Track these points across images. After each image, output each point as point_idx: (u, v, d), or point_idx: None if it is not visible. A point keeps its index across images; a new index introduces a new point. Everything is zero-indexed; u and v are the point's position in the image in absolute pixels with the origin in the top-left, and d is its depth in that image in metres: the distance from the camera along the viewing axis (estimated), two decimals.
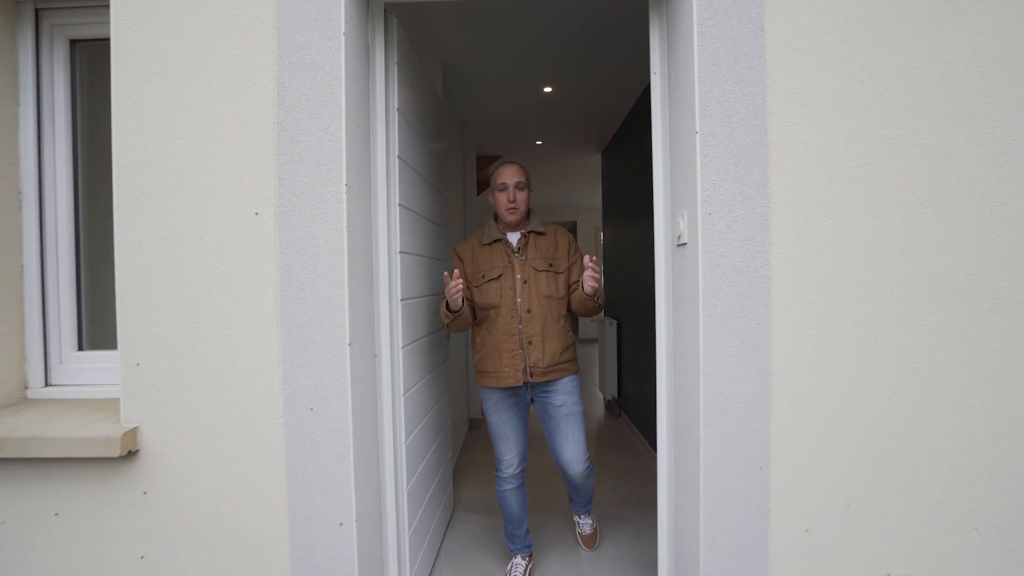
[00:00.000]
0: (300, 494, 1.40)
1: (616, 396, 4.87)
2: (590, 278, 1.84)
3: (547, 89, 3.64)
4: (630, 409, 4.43)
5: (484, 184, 6.34)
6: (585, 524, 2.51)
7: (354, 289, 1.43)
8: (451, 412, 3.21)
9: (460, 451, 3.73)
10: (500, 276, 2.05)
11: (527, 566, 2.23)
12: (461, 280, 1.87)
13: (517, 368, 2.01)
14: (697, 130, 1.35)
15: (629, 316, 4.43)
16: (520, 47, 3.02)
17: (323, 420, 1.39)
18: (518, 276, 2.04)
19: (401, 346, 1.81)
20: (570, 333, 2.11)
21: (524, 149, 5.36)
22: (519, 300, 2.02)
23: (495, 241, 2.11)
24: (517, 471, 2.17)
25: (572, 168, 6.32)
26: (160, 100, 1.39)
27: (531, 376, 2.02)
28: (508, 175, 2.09)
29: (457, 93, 3.74)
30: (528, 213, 2.14)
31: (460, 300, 1.90)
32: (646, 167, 3.74)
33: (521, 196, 2.08)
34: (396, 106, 1.78)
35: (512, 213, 2.08)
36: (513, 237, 2.12)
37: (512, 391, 2.09)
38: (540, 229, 2.12)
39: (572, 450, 2.09)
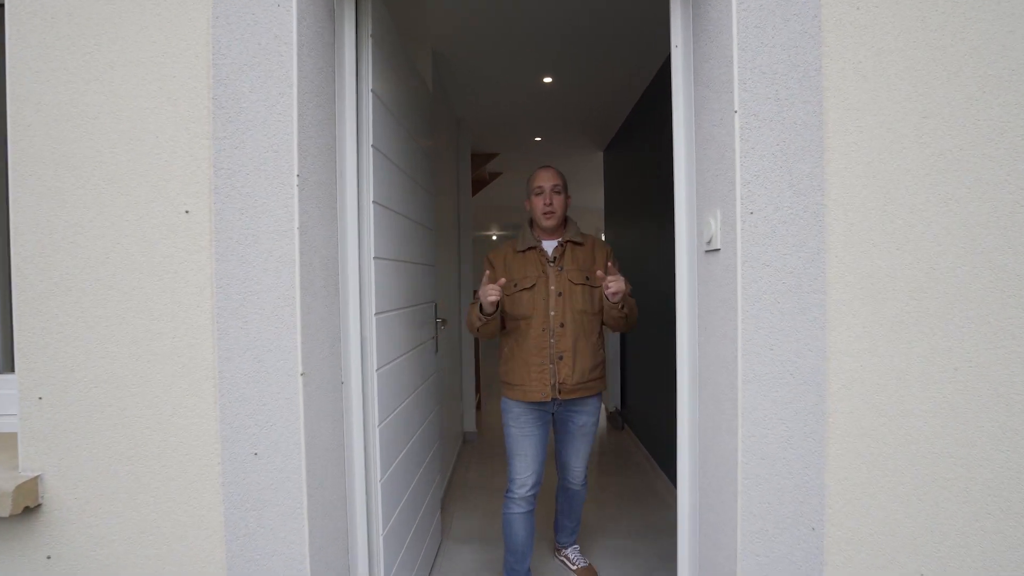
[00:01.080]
0: (242, 560, 1.13)
1: (619, 408, 4.60)
2: (611, 280, 1.75)
3: (547, 79, 3.38)
4: (634, 422, 4.17)
5: (480, 184, 6.07)
6: (576, 558, 2.32)
7: (309, 304, 1.16)
8: (442, 428, 2.94)
9: (452, 470, 3.46)
10: (533, 286, 1.96)
11: None
12: (503, 279, 1.80)
13: (545, 383, 1.94)
14: (736, 109, 1.09)
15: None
16: (518, 33, 2.76)
17: (270, 467, 1.12)
18: (552, 288, 1.95)
19: (376, 368, 1.54)
20: (601, 351, 2.04)
21: (522, 147, 5.09)
22: (552, 313, 1.94)
23: (529, 249, 2.01)
24: (529, 493, 2.02)
25: (573, 167, 6.05)
26: (68, 70, 1.12)
27: (559, 393, 1.95)
28: (544, 178, 2.00)
29: (450, 85, 3.47)
30: (565, 220, 2.06)
31: (495, 304, 1.80)
32: (653, 165, 3.48)
33: (558, 200, 1.99)
34: (371, 87, 1.51)
35: (549, 218, 1.98)
36: (549, 245, 2.02)
37: (536, 405, 2.00)
38: (578, 239, 2.02)
39: (577, 460, 2.10)
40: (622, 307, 1.86)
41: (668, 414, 3.17)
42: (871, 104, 1.07)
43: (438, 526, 2.45)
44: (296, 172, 1.11)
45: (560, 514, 2.33)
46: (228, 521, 1.13)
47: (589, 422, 2.06)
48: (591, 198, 7.91)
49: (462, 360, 4.17)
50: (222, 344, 1.11)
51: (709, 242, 1.22)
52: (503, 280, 1.80)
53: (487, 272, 1.95)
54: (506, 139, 4.83)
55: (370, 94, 1.51)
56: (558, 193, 2.00)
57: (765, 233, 1.09)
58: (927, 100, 1.06)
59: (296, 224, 1.11)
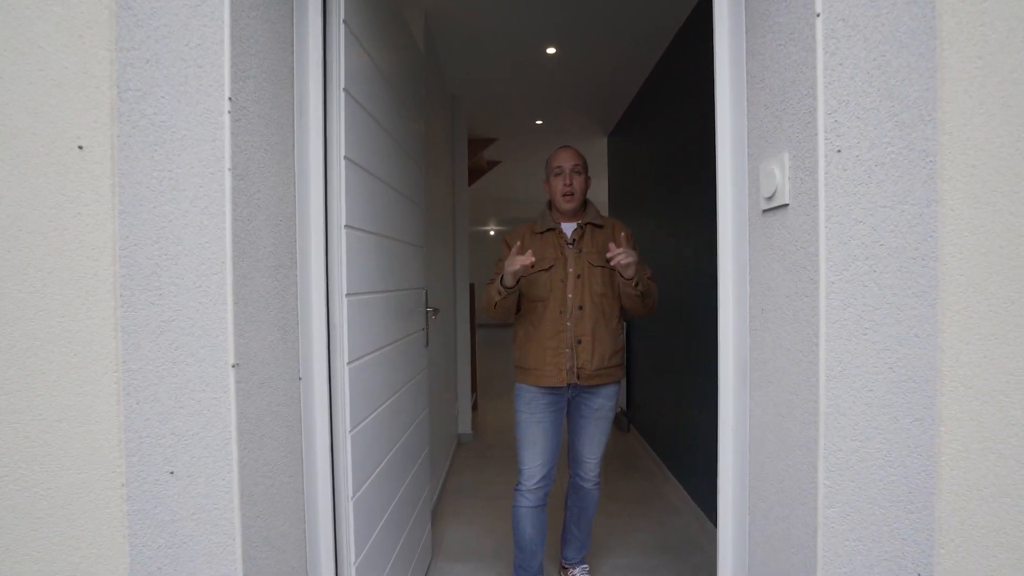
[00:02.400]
0: None
1: (625, 408, 4.32)
2: (621, 255, 1.64)
3: (550, 50, 3.10)
4: (641, 423, 3.89)
5: (477, 173, 5.79)
6: (584, 574, 2.08)
7: (248, 274, 0.88)
8: (433, 432, 2.66)
9: (445, 477, 3.17)
10: (551, 268, 1.87)
11: None
12: (532, 254, 1.68)
13: (561, 368, 1.84)
14: (819, 11, 0.81)
15: (641, 319, 3.88)
16: None
17: (191, 490, 0.84)
18: (571, 270, 1.87)
19: (347, 362, 1.26)
20: (622, 336, 1.96)
21: (522, 131, 4.81)
22: (570, 296, 1.86)
23: (548, 230, 1.93)
24: (539, 485, 1.89)
25: None
26: None
27: (577, 378, 1.85)
28: (564, 158, 1.92)
29: (445, 55, 3.19)
30: (585, 203, 1.98)
31: (516, 276, 1.71)
32: (660, 150, 3.21)
33: (579, 181, 1.92)
34: (342, 16, 1.23)
35: (568, 200, 1.90)
36: (568, 228, 1.94)
37: (551, 391, 1.89)
38: (598, 221, 1.94)
39: (591, 449, 1.96)
40: (636, 284, 1.76)
41: (680, 415, 2.90)
42: (1003, 2, 0.79)
43: (428, 542, 2.17)
44: (228, 95, 0.82)
45: (569, 520, 2.08)
46: (134, 565, 0.84)
47: (606, 406, 1.94)
48: (593, 189, 7.63)
49: (457, 355, 3.88)
50: (128, 325, 0.83)
51: (771, 197, 0.94)
52: (529, 251, 1.70)
53: (504, 251, 1.90)
54: (505, 122, 4.54)
55: (342, 24, 1.23)
56: (578, 174, 1.92)
57: (858, 178, 0.81)
58: None
59: (227, 164, 0.82)
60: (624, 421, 4.29)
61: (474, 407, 4.56)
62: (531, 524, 1.90)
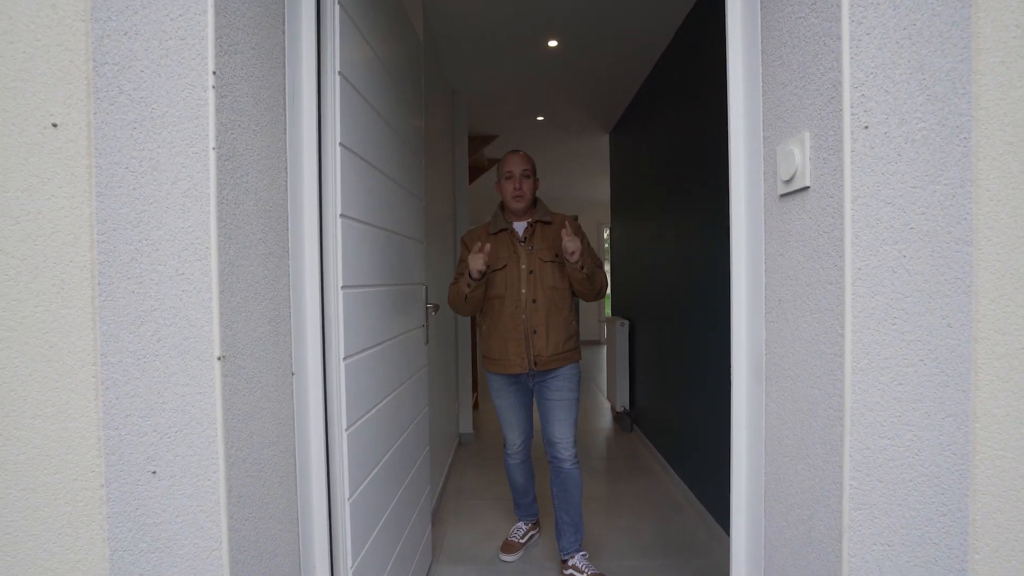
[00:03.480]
0: None
1: (627, 408, 4.27)
2: (566, 239, 1.85)
3: (552, 43, 3.04)
4: (645, 423, 3.84)
5: (477, 170, 5.73)
6: (585, 566, 2.05)
7: (235, 261, 0.83)
8: (434, 431, 2.60)
9: (445, 477, 3.12)
10: (505, 267, 2.05)
11: (527, 530, 2.35)
12: (488, 246, 1.90)
13: (523, 357, 2.04)
14: None
15: (643, 316, 3.82)
16: None
17: (174, 491, 0.79)
18: (523, 266, 2.04)
19: (343, 357, 1.21)
20: (574, 323, 2.13)
21: (524, 128, 4.75)
22: (524, 291, 2.03)
23: (501, 231, 2.11)
24: (521, 448, 2.23)
25: (576, 152, 5.72)
26: None
27: (535, 364, 2.04)
28: (514, 163, 2.09)
29: (445, 48, 3.13)
30: (535, 202, 2.15)
31: (481, 272, 1.90)
32: (662, 147, 3.15)
33: (527, 184, 2.09)
34: None
35: (518, 200, 2.07)
36: (520, 227, 2.11)
37: (516, 377, 2.12)
38: (547, 218, 2.10)
39: (560, 429, 2.07)
40: (582, 267, 1.92)
41: (684, 413, 2.84)
42: None
43: (428, 545, 2.11)
44: (211, 68, 0.77)
45: (558, 507, 2.09)
46: (115, 568, 0.79)
47: (565, 387, 2.08)
48: (594, 189, 7.58)
49: (458, 353, 3.83)
50: (106, 315, 0.77)
51: (790, 180, 0.89)
52: (488, 246, 1.90)
53: (463, 251, 2.10)
54: (506, 118, 4.49)
55: (336, 5, 1.18)
56: (527, 177, 2.09)
57: (886, 156, 0.75)
58: None
59: (212, 143, 0.77)
60: (627, 421, 4.23)
61: (475, 406, 4.51)
62: (520, 474, 2.27)
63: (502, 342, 2.07)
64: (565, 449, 2.07)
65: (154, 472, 0.79)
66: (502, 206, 2.17)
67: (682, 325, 2.91)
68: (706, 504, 2.54)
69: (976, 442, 0.76)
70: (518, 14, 2.73)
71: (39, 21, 0.77)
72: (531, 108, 4.24)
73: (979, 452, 0.76)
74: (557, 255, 2.04)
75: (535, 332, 2.03)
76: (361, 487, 1.31)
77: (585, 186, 7.68)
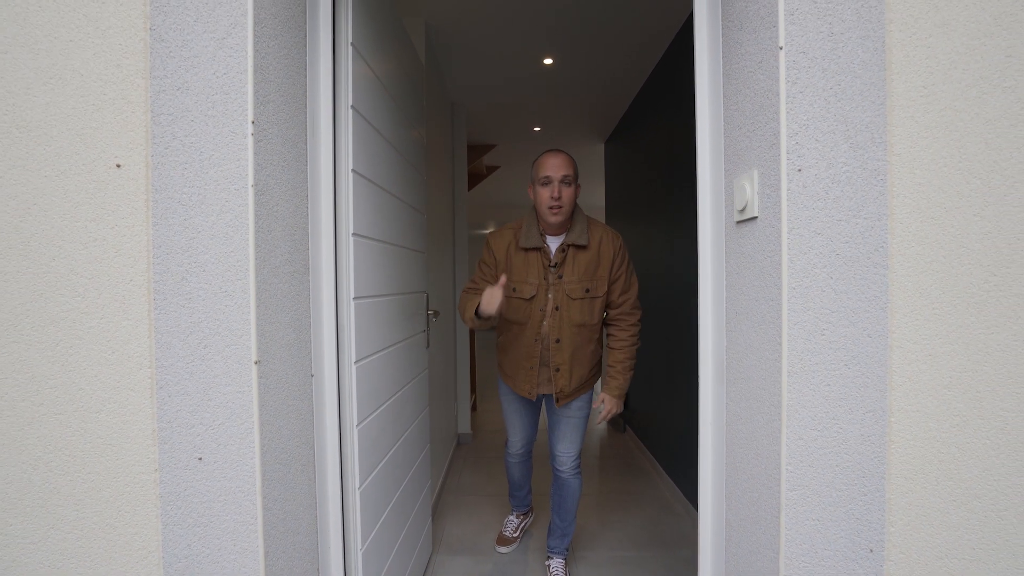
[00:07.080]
0: None
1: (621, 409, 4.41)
2: (605, 414, 1.93)
3: (547, 61, 3.19)
4: (637, 424, 3.98)
5: (477, 178, 5.88)
6: (558, 573, 2.12)
7: (268, 280, 0.97)
8: (434, 431, 2.75)
9: (444, 475, 3.26)
10: (532, 298, 1.88)
11: (519, 522, 2.46)
12: (505, 280, 1.71)
13: (533, 385, 1.96)
14: (782, 44, 0.90)
15: None
16: (519, 6, 2.57)
17: (217, 475, 0.93)
18: (550, 299, 1.87)
19: (354, 360, 1.35)
20: (599, 351, 2.02)
21: (521, 138, 4.91)
22: (545, 324, 1.89)
23: (533, 248, 1.87)
24: (521, 450, 2.24)
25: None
26: None
27: (556, 401, 1.96)
28: (553, 167, 1.79)
29: (444, 64, 3.29)
30: (573, 213, 1.89)
31: (495, 310, 1.70)
32: (655, 157, 3.30)
33: (567, 193, 1.79)
34: (350, 39, 1.33)
35: (556, 213, 1.80)
36: (554, 242, 1.89)
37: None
38: (582, 241, 1.84)
39: (565, 446, 2.05)
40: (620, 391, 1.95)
41: (674, 415, 2.99)
42: (944, 40, 0.89)
43: (428, 537, 2.25)
44: (251, 118, 0.92)
45: (552, 510, 2.17)
46: (167, 542, 0.93)
47: (575, 405, 2.03)
48: (590, 196, 7.73)
49: (456, 356, 3.97)
50: (160, 326, 0.92)
51: (742, 210, 1.04)
52: (504, 280, 1.71)
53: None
54: (504, 129, 4.64)
55: (349, 47, 1.32)
56: (567, 185, 1.80)
57: (816, 194, 0.90)
58: (1013, 34, 0.88)
59: (251, 181, 0.92)
60: (620, 422, 4.37)
61: (473, 408, 4.65)
62: (518, 471, 2.31)
63: (514, 366, 1.98)
64: (567, 462, 2.05)
65: (200, 459, 0.93)
66: (535, 211, 1.89)
67: (671, 331, 3.06)
68: (692, 500, 2.68)
69: (891, 434, 0.90)
70: (515, 34, 2.88)
71: (106, 78, 0.92)
72: (528, 120, 4.39)
73: (894, 442, 0.90)
74: (588, 289, 1.84)
75: (558, 371, 1.90)
76: (370, 478, 1.45)
77: (582, 192, 7.83)
